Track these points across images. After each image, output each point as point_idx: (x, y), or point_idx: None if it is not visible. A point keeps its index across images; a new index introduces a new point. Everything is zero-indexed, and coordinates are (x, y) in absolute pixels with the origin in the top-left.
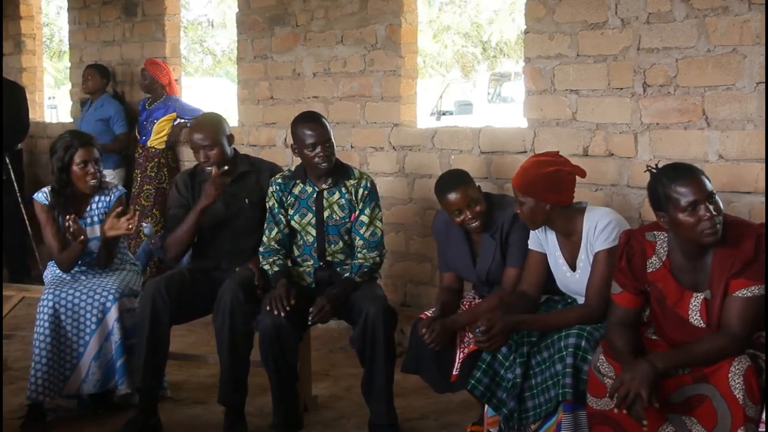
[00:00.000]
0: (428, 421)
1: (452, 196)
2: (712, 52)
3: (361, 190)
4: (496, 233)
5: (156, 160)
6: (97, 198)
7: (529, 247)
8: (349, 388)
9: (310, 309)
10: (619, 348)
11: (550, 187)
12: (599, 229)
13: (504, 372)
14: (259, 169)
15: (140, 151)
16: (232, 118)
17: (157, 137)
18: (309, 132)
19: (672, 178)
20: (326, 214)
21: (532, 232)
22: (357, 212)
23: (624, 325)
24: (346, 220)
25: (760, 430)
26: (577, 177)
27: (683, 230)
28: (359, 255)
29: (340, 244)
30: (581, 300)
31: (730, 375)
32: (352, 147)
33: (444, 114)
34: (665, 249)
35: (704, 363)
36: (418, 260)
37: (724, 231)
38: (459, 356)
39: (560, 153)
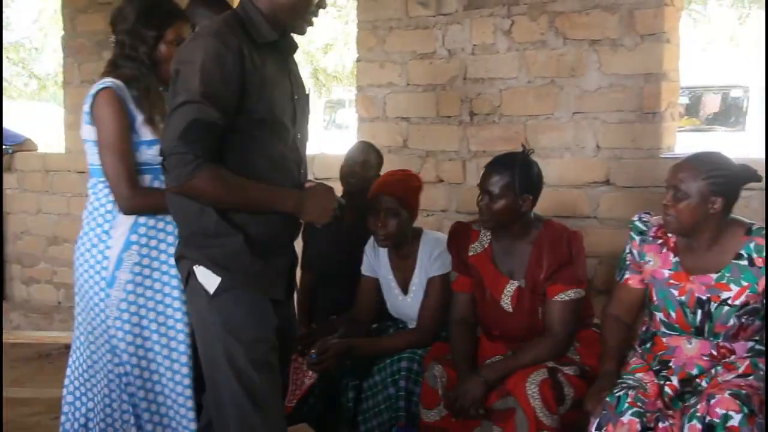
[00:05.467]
0: None
1: None
2: (532, 83)
3: None
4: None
5: None
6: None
7: (362, 272)
8: None
9: None
10: (458, 352)
11: (418, 202)
12: (435, 255)
13: (337, 397)
14: None
15: None
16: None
17: None
18: None
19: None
20: None
21: (365, 257)
22: None
23: (463, 323)
24: None
25: None
26: None
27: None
28: None
29: None
30: (412, 324)
31: (527, 385)
32: None
33: None
34: (488, 237)
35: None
36: None
37: (545, 231)
38: (291, 387)
39: None
